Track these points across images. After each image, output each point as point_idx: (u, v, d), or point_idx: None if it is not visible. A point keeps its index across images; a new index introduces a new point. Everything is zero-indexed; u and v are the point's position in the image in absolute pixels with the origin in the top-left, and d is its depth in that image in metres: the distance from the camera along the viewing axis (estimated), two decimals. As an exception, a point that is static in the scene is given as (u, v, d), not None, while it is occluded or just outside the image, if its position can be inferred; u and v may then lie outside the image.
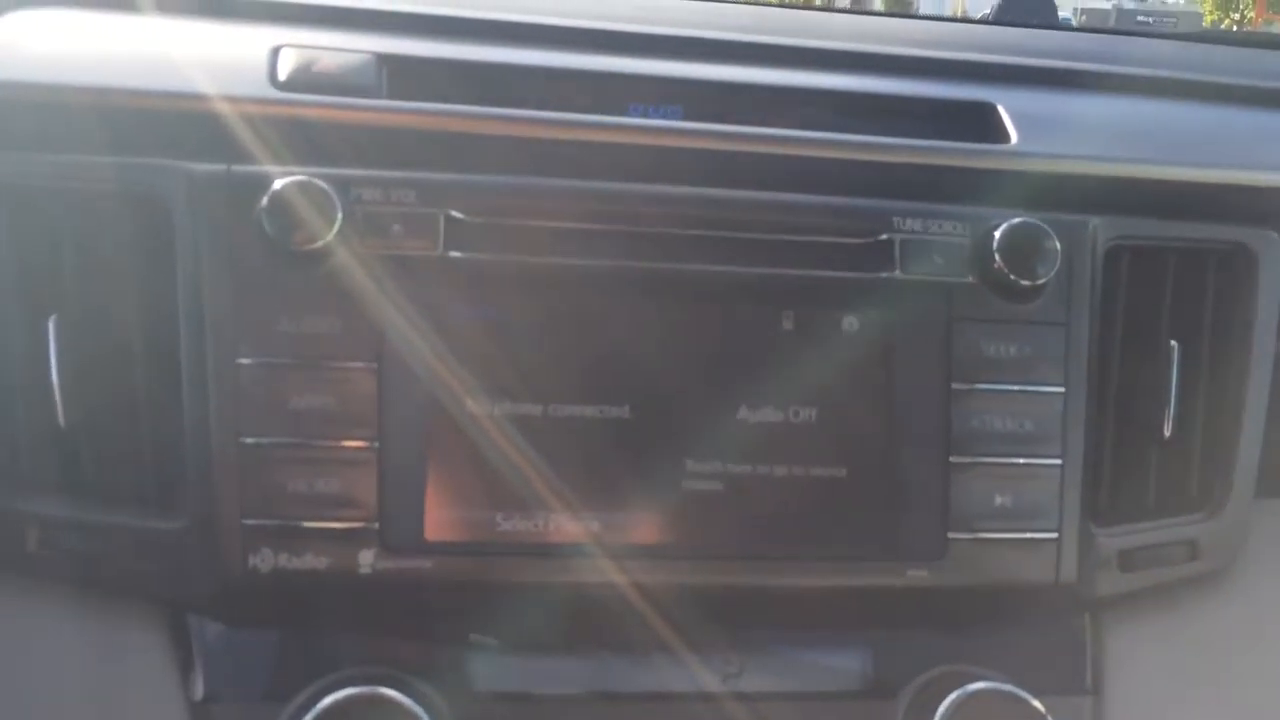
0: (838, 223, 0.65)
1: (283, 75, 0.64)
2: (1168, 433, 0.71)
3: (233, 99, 0.62)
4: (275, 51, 0.65)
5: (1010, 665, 0.67)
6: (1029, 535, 0.65)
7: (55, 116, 0.61)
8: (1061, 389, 0.66)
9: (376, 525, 0.59)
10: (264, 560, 0.58)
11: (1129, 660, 0.70)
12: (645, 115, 0.72)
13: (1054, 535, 0.66)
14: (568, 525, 0.61)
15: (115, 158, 0.60)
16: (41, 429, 0.60)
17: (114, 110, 0.61)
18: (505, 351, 0.61)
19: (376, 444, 0.59)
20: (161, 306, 0.60)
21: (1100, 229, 0.68)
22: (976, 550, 0.64)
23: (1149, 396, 0.71)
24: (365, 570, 0.59)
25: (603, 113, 0.68)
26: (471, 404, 0.61)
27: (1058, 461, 0.66)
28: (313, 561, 0.59)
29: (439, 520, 0.60)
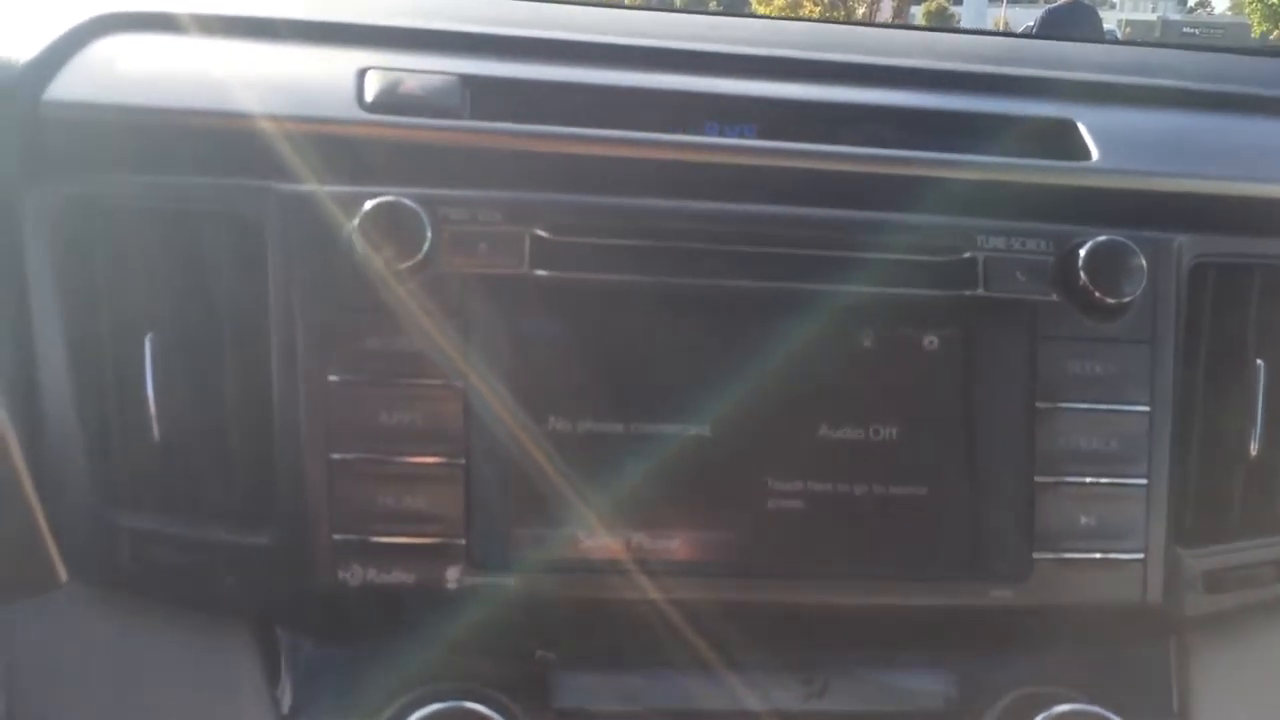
0: (920, 240, 0.65)
1: (369, 97, 0.65)
2: (1254, 452, 0.70)
3: (322, 120, 0.63)
4: (362, 74, 0.66)
5: (1096, 687, 0.66)
6: (1114, 555, 0.65)
7: (150, 138, 0.62)
8: (1147, 408, 0.65)
9: (463, 541, 0.60)
10: (353, 575, 0.59)
11: (1217, 683, 0.69)
12: (721, 134, 0.72)
13: (1140, 556, 0.65)
14: (650, 542, 0.61)
15: (209, 179, 0.62)
16: (136, 445, 0.61)
17: (207, 132, 0.62)
18: (589, 369, 0.62)
19: (462, 460, 0.60)
20: (254, 324, 0.61)
21: (1185, 246, 0.68)
22: (1061, 571, 0.64)
23: (1235, 415, 0.70)
24: (452, 585, 0.60)
25: (680, 131, 0.68)
26: (555, 421, 0.61)
27: (1143, 481, 0.65)
28: (400, 576, 0.59)
29: (524, 536, 0.61)
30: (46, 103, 0.61)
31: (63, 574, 0.62)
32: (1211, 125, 0.78)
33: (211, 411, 0.62)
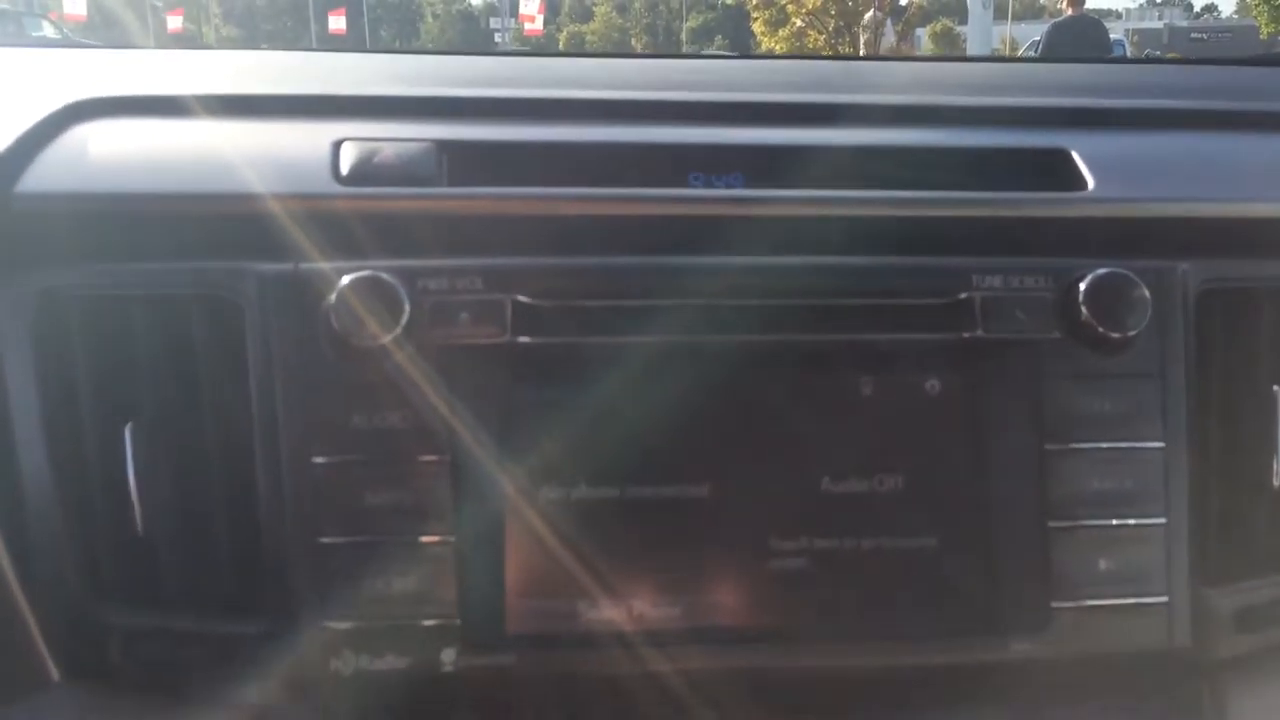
0: (914, 284, 0.63)
1: (345, 169, 0.64)
2: (1276, 483, 0.67)
3: (297, 197, 0.62)
4: (337, 146, 0.65)
5: None
6: (1137, 600, 0.62)
7: (125, 225, 0.61)
8: (1161, 444, 0.63)
9: (457, 621, 0.58)
10: (345, 662, 0.58)
11: None
12: (707, 185, 0.71)
13: (1164, 599, 0.62)
14: (652, 611, 0.60)
15: (185, 263, 0.61)
16: (120, 537, 0.60)
17: (182, 215, 0.62)
18: (580, 435, 0.60)
19: (453, 538, 0.58)
20: (235, 408, 0.60)
21: (1190, 274, 0.65)
22: (1083, 619, 0.61)
23: (1254, 445, 0.67)
24: (448, 668, 0.58)
25: (663, 185, 0.67)
26: (547, 491, 0.59)
27: (1162, 520, 0.63)
28: (394, 661, 0.58)
29: (520, 612, 0.59)
30: (19, 195, 0.61)
31: (54, 673, 0.60)
32: (1212, 146, 0.76)
33: (195, 499, 0.60)
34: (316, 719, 0.60)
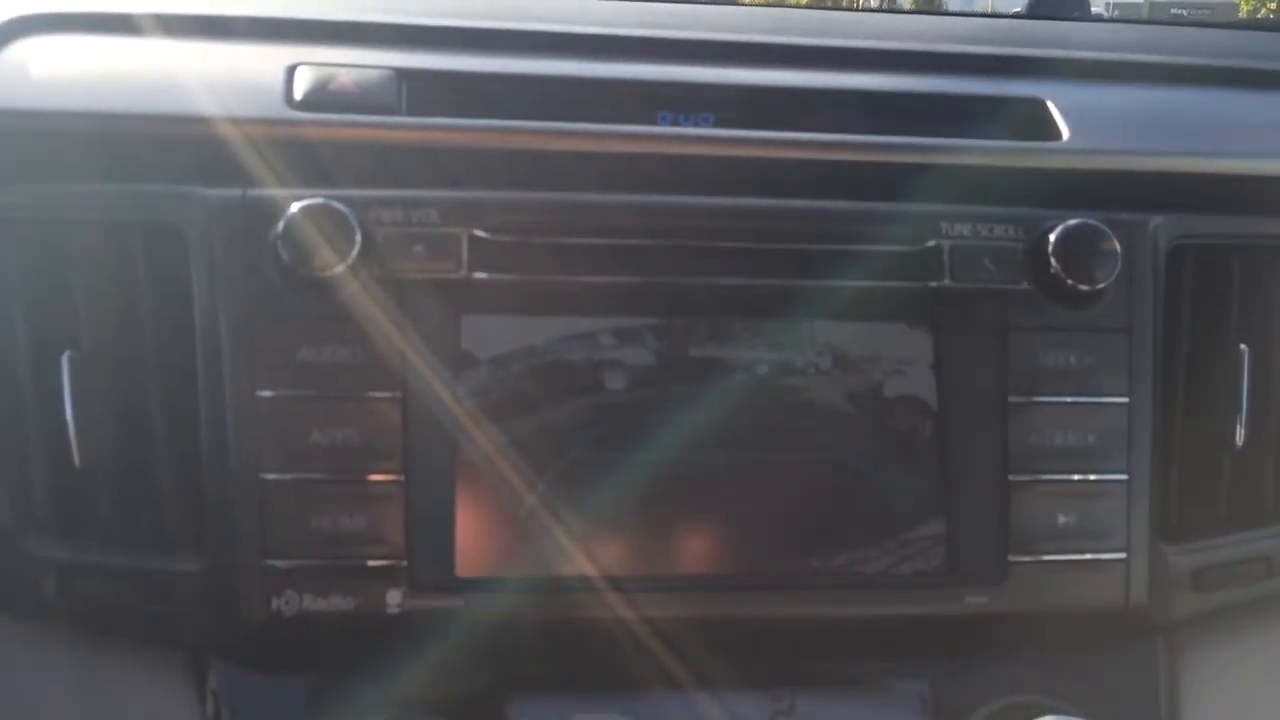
0: (882, 230, 0.62)
1: (299, 94, 0.62)
2: (1240, 442, 0.66)
3: (247, 121, 0.59)
4: (291, 70, 0.63)
5: (1080, 695, 0.63)
6: (1095, 556, 0.61)
7: (63, 145, 0.59)
8: (1125, 399, 0.62)
9: (405, 562, 0.57)
10: (288, 602, 0.56)
11: (1206, 687, 0.66)
12: (675, 123, 0.69)
13: (1122, 555, 0.62)
14: (606, 556, 0.58)
15: (126, 185, 0.58)
16: (57, 471, 0.58)
17: (123, 136, 0.59)
18: (535, 376, 0.59)
19: (402, 477, 0.57)
20: (178, 339, 0.58)
21: (1161, 228, 0.64)
22: (1039, 573, 0.61)
23: (1219, 404, 0.67)
24: (394, 610, 0.56)
25: (631, 122, 0.65)
26: (499, 432, 0.58)
27: (1124, 477, 0.62)
28: (339, 602, 0.56)
29: (469, 555, 0.57)
30: None
31: None
32: (1189, 101, 0.74)
33: (135, 432, 0.58)
34: (252, 659, 0.59)
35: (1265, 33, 0.94)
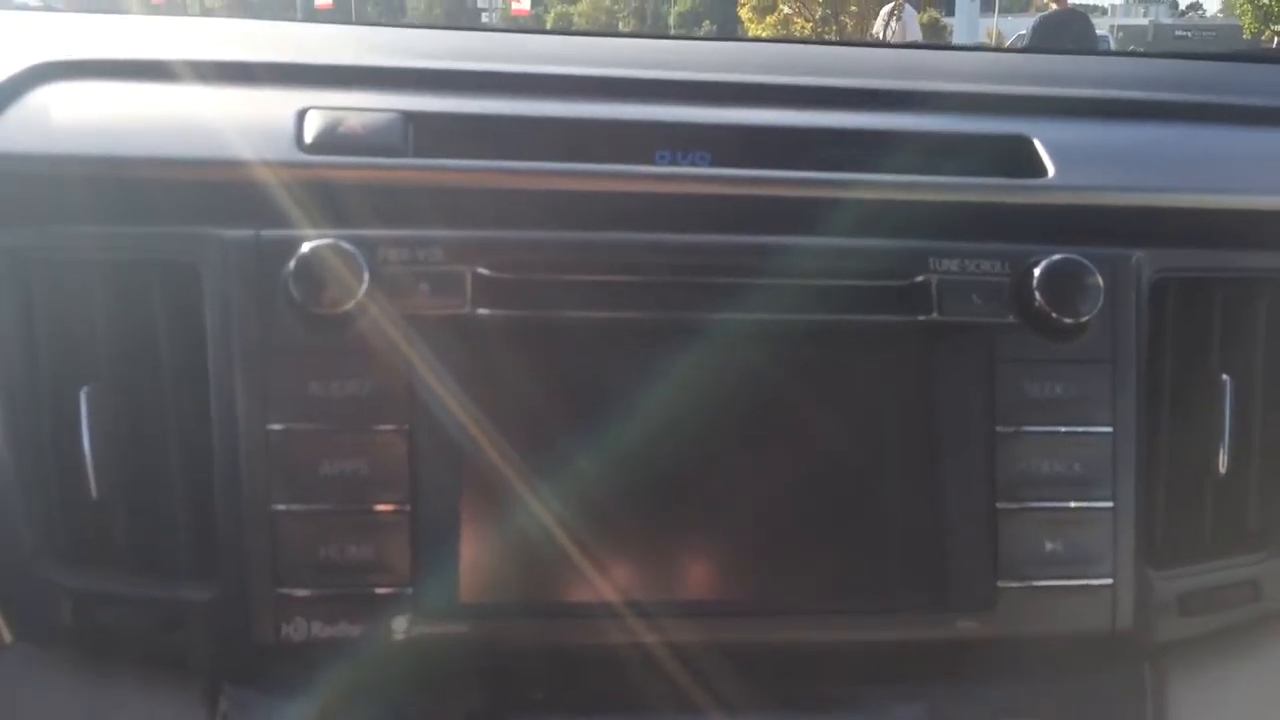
0: (872, 265, 0.64)
1: (309, 138, 0.64)
2: (1223, 470, 0.68)
3: (260, 163, 0.62)
4: (301, 114, 0.65)
5: (1068, 718, 0.64)
6: (1082, 582, 0.63)
7: (86, 188, 0.61)
8: (1110, 429, 0.64)
9: (410, 590, 0.58)
10: (297, 629, 0.58)
11: (1193, 710, 0.67)
12: (673, 163, 0.71)
13: (1108, 581, 0.63)
14: (606, 585, 0.60)
15: (145, 227, 0.61)
16: (74, 501, 0.60)
17: (142, 180, 0.61)
18: (538, 409, 0.61)
19: (409, 507, 0.59)
20: (192, 374, 0.60)
21: (1144, 262, 0.66)
22: (1028, 599, 0.62)
23: (1202, 433, 0.68)
24: (399, 636, 0.58)
25: (630, 162, 0.67)
26: (504, 463, 0.60)
27: (1109, 504, 0.64)
28: (347, 629, 0.58)
29: (474, 583, 0.59)
30: None
31: (7, 635, 0.60)
32: (1173, 136, 0.76)
33: (151, 465, 0.60)
34: (262, 684, 0.61)
35: (1258, 64, 0.96)
